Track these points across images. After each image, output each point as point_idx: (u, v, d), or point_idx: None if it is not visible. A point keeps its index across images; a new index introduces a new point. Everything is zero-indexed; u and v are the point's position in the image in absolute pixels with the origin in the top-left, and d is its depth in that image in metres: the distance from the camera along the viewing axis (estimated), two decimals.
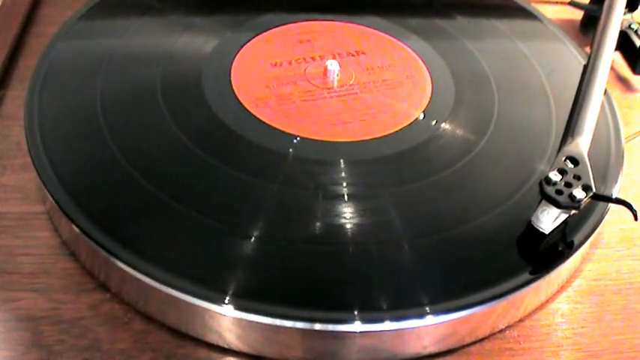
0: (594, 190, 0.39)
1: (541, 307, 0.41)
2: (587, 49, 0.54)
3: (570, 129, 0.45)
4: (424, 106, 0.47)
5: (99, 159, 0.42)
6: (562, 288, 0.42)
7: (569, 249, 0.40)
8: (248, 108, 0.46)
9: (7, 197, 0.44)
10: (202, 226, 0.39)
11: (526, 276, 0.38)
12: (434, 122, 0.46)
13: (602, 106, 0.48)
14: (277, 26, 0.53)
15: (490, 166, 0.44)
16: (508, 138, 0.46)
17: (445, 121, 0.46)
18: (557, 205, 0.38)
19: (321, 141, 0.44)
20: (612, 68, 0.56)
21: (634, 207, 0.39)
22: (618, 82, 0.58)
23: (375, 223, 0.40)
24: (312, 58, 0.50)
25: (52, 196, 0.40)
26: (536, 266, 0.39)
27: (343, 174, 0.42)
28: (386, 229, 0.40)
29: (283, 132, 0.44)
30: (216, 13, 0.54)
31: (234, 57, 0.50)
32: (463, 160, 0.44)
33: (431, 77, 0.50)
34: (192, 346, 0.37)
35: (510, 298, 0.37)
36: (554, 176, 0.39)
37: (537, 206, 0.39)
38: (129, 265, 0.37)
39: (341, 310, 0.36)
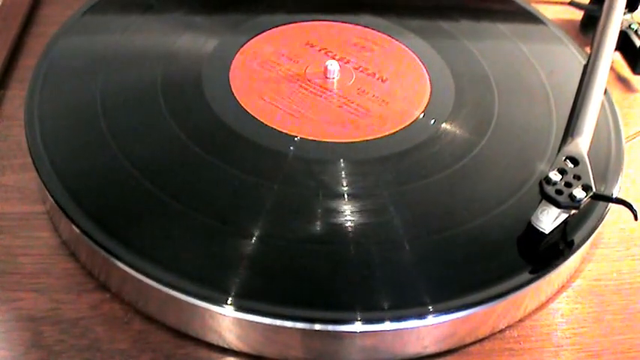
0: (594, 189, 0.39)
1: (541, 307, 0.41)
2: (587, 49, 0.54)
3: (570, 129, 0.45)
4: (424, 106, 0.47)
5: (99, 159, 0.42)
6: (562, 288, 0.42)
7: (569, 249, 0.40)
8: (248, 108, 0.46)
9: (7, 197, 0.44)
10: (202, 226, 0.39)
11: (526, 276, 0.38)
12: (432, 121, 0.46)
13: (602, 106, 0.48)
14: (277, 26, 0.53)
15: (490, 166, 0.44)
16: (508, 138, 0.46)
17: (445, 121, 0.46)
18: (558, 204, 0.38)
19: (321, 141, 0.44)
20: (612, 68, 0.56)
21: (634, 207, 0.39)
22: (618, 82, 0.58)
23: (375, 223, 0.40)
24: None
25: (52, 196, 0.40)
26: (536, 266, 0.39)
27: (343, 174, 0.42)
28: (386, 228, 0.40)
29: (283, 132, 0.44)
30: (217, 12, 0.54)
31: (234, 57, 0.50)
32: (463, 160, 0.44)
33: (431, 77, 0.50)
34: (192, 346, 0.37)
35: (510, 298, 0.37)
36: (554, 176, 0.39)
37: (537, 206, 0.39)
38: (129, 265, 0.37)
39: (341, 310, 0.36)
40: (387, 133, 0.45)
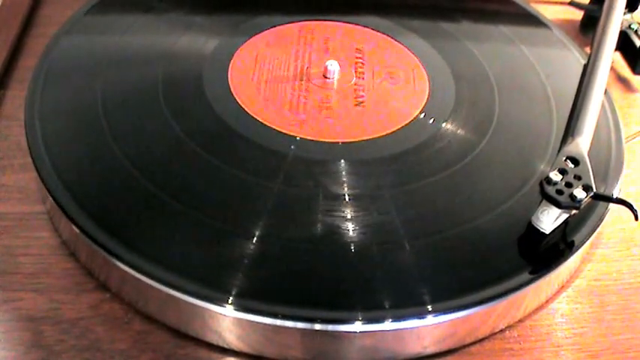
0: (595, 190, 0.39)
1: (541, 307, 0.41)
2: (587, 49, 0.54)
3: (570, 129, 0.45)
4: (424, 106, 0.47)
5: (99, 159, 0.42)
6: (562, 288, 0.42)
7: (570, 249, 0.40)
8: (248, 108, 0.46)
9: (7, 197, 0.44)
10: (202, 226, 0.39)
11: (526, 276, 0.38)
12: (431, 120, 0.46)
13: (602, 106, 0.48)
14: (277, 26, 0.53)
15: (490, 166, 0.44)
16: (508, 138, 0.46)
17: (446, 122, 0.46)
18: (558, 205, 0.38)
19: (321, 141, 0.44)
20: (612, 68, 0.56)
21: (634, 207, 0.39)
22: (618, 82, 0.58)
23: (375, 222, 0.40)
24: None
25: (52, 196, 0.40)
26: (537, 266, 0.39)
27: (343, 174, 0.42)
28: (386, 228, 0.40)
29: (283, 132, 0.44)
30: (217, 12, 0.54)
31: (234, 57, 0.50)
32: (464, 160, 0.44)
33: (431, 77, 0.50)
34: (192, 346, 0.37)
35: (510, 298, 0.37)
36: (555, 176, 0.39)
37: (538, 206, 0.39)
38: (129, 265, 0.37)
39: (341, 310, 0.36)
40: (387, 133, 0.45)
